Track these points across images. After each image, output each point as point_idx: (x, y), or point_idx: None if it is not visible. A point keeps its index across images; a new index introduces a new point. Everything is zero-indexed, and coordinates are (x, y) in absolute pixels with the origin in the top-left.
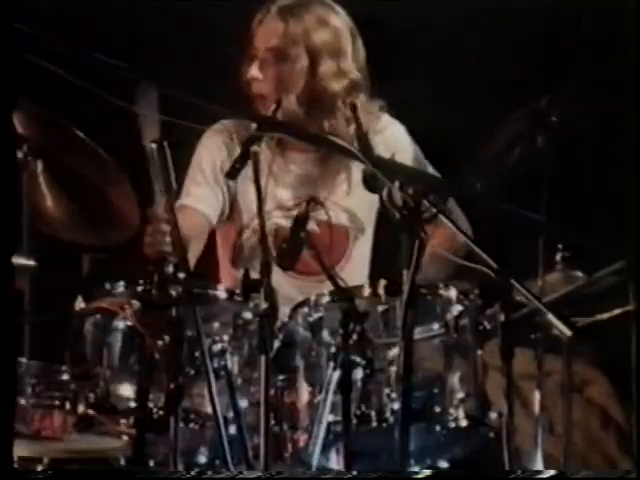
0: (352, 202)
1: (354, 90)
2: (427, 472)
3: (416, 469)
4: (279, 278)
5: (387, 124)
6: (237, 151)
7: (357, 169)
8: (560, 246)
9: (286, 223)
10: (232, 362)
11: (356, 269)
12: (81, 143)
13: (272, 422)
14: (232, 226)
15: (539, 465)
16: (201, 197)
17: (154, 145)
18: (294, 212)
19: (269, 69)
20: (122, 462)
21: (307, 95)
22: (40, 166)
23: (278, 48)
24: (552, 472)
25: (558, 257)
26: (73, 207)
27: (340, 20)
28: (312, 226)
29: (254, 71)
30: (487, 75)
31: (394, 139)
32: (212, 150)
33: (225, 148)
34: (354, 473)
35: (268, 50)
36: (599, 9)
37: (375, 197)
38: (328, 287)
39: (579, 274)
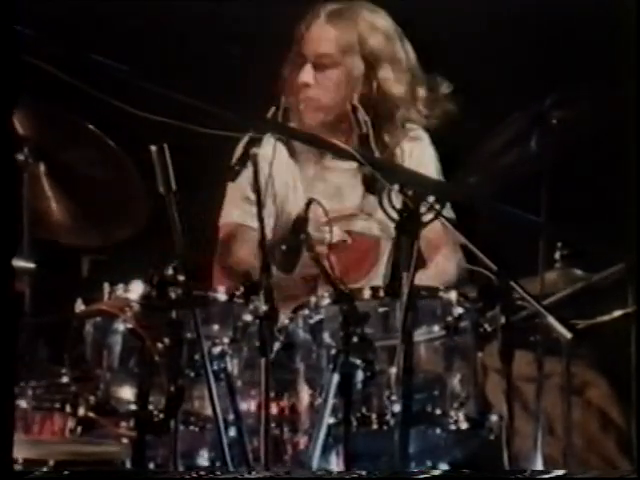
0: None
1: (413, 92)
2: (436, 472)
3: (416, 471)
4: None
5: (422, 138)
6: None
7: None
8: (559, 244)
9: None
10: (232, 364)
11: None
12: (89, 134)
13: (272, 424)
14: None
15: (539, 467)
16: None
17: (154, 147)
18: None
19: (322, 75)
20: (122, 465)
21: (368, 102)
22: (42, 168)
23: (331, 54)
24: (552, 474)
25: (557, 255)
26: (77, 208)
27: (387, 24)
28: (344, 236)
29: (306, 76)
30: (487, 75)
31: (423, 155)
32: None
33: None
34: (354, 475)
35: (320, 56)
36: (599, 9)
37: None
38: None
39: (578, 272)
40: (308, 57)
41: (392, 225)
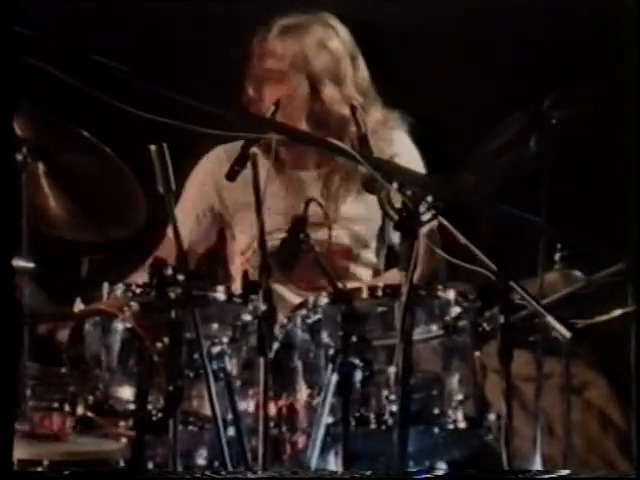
0: (355, 217)
1: (361, 114)
2: (435, 472)
3: (414, 470)
4: (284, 292)
5: (404, 148)
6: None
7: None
8: (559, 246)
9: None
10: (231, 364)
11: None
12: (83, 141)
13: (271, 424)
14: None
15: (538, 467)
16: None
17: (153, 147)
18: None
19: (267, 90)
20: (121, 464)
21: (316, 119)
22: (42, 168)
23: (277, 70)
24: (552, 474)
25: (557, 257)
26: (77, 206)
27: (340, 42)
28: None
29: (251, 92)
30: (487, 76)
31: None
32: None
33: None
34: (355, 475)
35: (267, 71)
36: (599, 9)
37: (377, 212)
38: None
39: (578, 273)
40: (258, 71)
41: (363, 232)
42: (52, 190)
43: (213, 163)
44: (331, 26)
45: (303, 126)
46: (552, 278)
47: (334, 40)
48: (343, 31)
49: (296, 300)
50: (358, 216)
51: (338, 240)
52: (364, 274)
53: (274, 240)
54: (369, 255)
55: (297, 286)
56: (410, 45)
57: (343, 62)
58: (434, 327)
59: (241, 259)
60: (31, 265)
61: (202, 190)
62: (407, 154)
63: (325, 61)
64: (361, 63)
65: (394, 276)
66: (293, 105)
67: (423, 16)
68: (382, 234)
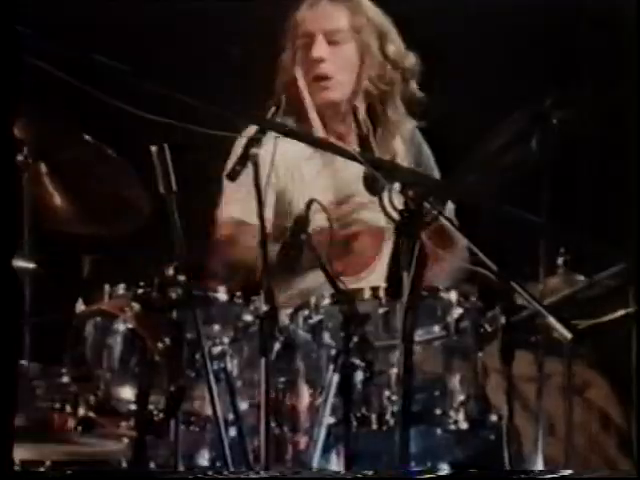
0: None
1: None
2: (436, 472)
3: (416, 471)
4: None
5: (421, 141)
6: None
7: None
8: (562, 250)
9: (326, 224)
10: (232, 364)
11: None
12: (84, 141)
13: (272, 424)
14: None
15: (539, 467)
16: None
17: (154, 148)
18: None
19: (336, 50)
20: (123, 464)
21: (382, 77)
22: (43, 167)
23: (344, 30)
24: (553, 474)
25: (559, 261)
26: (81, 203)
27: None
28: (353, 228)
29: (320, 51)
30: (487, 76)
31: (426, 159)
32: None
33: None
34: (357, 476)
35: (332, 32)
36: (599, 9)
37: None
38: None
39: (580, 277)
40: (315, 34)
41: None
42: (56, 188)
43: None
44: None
45: (369, 84)
46: (554, 282)
47: (376, 8)
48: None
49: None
50: None
51: (374, 222)
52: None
53: (317, 220)
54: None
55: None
56: (410, 44)
57: (387, 25)
58: (436, 328)
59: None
60: (31, 265)
61: None
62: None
63: (383, 19)
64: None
65: None
66: (361, 64)
67: (422, 16)
68: None
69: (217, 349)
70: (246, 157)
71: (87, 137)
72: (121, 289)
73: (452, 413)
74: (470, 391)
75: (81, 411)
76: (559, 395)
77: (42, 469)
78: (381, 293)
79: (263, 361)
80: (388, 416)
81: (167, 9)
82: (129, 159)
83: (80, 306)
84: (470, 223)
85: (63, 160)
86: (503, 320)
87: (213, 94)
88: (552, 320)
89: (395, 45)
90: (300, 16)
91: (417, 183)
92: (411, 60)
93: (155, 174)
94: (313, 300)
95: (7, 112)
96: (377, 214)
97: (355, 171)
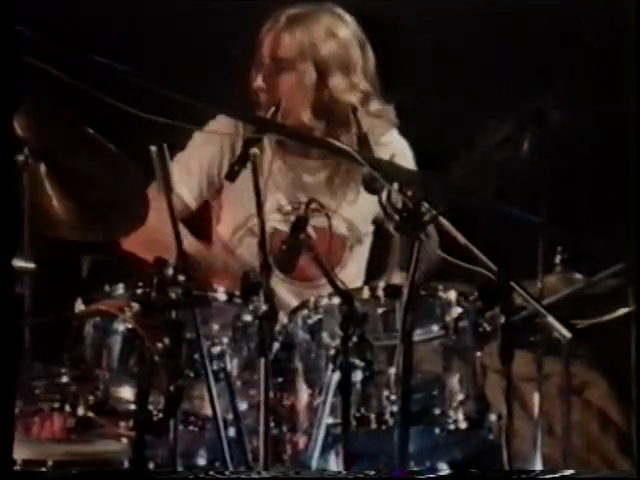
0: (353, 212)
1: (366, 101)
2: (436, 472)
3: (415, 470)
4: (276, 285)
5: (394, 140)
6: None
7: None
8: (559, 248)
9: (284, 227)
10: (231, 364)
11: (349, 278)
12: (86, 141)
13: (271, 424)
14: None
15: (538, 467)
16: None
17: (154, 147)
18: (292, 216)
19: (275, 79)
20: (122, 464)
21: (321, 109)
22: (43, 168)
23: (284, 59)
24: (552, 474)
25: (557, 259)
26: (79, 206)
27: (349, 30)
28: (310, 232)
29: (259, 81)
30: (487, 76)
31: (397, 157)
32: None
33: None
34: (357, 476)
35: (274, 60)
36: (599, 9)
37: (374, 208)
38: (326, 291)
39: (578, 276)
40: (265, 60)
41: (360, 227)
42: (55, 191)
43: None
44: (339, 15)
45: (307, 115)
46: (552, 281)
47: (342, 28)
48: (351, 20)
49: (291, 299)
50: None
51: (337, 230)
52: (355, 269)
53: (271, 222)
54: (363, 250)
55: (293, 279)
56: (410, 44)
57: (352, 49)
58: (435, 327)
59: (232, 239)
60: (31, 265)
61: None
62: (400, 151)
63: (333, 48)
64: (369, 51)
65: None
66: (298, 94)
67: (421, 16)
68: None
69: (216, 349)
70: (246, 157)
71: (91, 132)
72: (120, 289)
73: (451, 413)
74: (469, 391)
75: (80, 411)
76: (558, 395)
77: (41, 469)
78: (380, 293)
79: (262, 361)
80: (387, 416)
81: (167, 9)
82: (129, 159)
83: (79, 306)
84: (469, 222)
85: (63, 162)
86: (502, 320)
87: (213, 94)
88: (551, 320)
89: (339, 79)
90: (260, 38)
91: (416, 182)
92: (353, 97)
93: (154, 174)
94: (312, 300)
95: (7, 112)
96: (339, 222)
97: (318, 176)
